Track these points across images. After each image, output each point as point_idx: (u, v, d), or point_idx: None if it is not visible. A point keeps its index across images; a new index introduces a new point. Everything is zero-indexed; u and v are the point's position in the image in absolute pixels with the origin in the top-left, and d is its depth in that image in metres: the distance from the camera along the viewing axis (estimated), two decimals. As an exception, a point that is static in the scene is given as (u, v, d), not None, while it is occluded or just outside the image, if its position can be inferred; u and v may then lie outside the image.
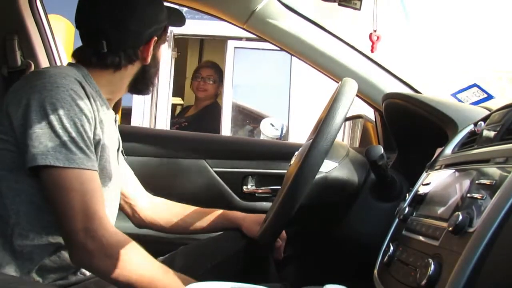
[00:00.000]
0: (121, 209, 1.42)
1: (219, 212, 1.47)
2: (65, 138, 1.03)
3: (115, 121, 1.28)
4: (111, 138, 1.20)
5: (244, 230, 1.40)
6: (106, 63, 1.18)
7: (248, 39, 4.33)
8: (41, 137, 1.02)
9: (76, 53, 1.23)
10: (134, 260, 1.05)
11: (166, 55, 4.52)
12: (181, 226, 1.46)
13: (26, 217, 1.07)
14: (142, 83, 1.27)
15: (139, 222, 1.45)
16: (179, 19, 1.34)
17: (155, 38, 1.22)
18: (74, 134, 1.04)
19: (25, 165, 1.03)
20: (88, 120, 1.07)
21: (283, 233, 1.42)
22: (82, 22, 1.21)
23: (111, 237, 1.04)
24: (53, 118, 1.02)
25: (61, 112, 1.03)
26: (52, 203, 1.04)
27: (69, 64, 1.22)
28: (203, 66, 3.99)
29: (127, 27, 1.18)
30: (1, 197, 1.08)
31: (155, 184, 1.59)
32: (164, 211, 1.47)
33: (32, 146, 1.01)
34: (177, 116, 4.23)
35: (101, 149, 1.12)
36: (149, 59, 1.23)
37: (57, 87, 1.05)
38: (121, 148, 1.31)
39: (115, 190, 1.25)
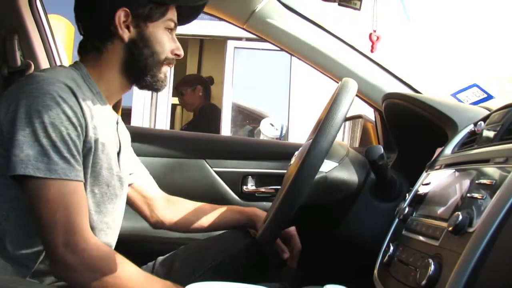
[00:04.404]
0: (138, 210, 1.42)
1: (235, 208, 1.47)
2: (48, 147, 0.99)
3: (117, 123, 1.23)
4: (110, 142, 1.15)
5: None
6: (90, 48, 1.16)
7: (248, 39, 4.34)
8: (23, 145, 0.98)
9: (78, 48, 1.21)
10: (118, 273, 1.02)
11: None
12: (199, 224, 1.44)
13: (17, 223, 1.05)
14: (136, 69, 1.17)
15: (156, 222, 1.43)
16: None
17: (125, 10, 1.12)
18: (58, 143, 1.00)
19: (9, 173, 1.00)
20: (76, 128, 1.03)
21: (298, 242, 1.39)
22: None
23: (92, 250, 1.01)
24: (38, 126, 0.99)
25: (46, 120, 1.00)
26: (33, 214, 1.01)
27: (74, 63, 1.19)
28: (176, 86, 4.24)
29: (85, 2, 1.16)
30: None
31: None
32: (182, 210, 1.45)
33: (14, 154, 0.98)
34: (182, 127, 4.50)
35: (95, 155, 1.09)
36: (125, 36, 1.13)
37: (44, 93, 1.01)
38: (122, 150, 1.24)
39: (117, 196, 1.19)
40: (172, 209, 1.45)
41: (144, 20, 1.15)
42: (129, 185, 1.36)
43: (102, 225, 1.16)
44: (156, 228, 1.45)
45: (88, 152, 1.07)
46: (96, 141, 1.09)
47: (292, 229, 1.40)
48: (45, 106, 1.00)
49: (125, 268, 1.05)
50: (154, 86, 1.19)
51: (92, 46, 1.16)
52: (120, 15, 1.13)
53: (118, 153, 1.21)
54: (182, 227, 1.45)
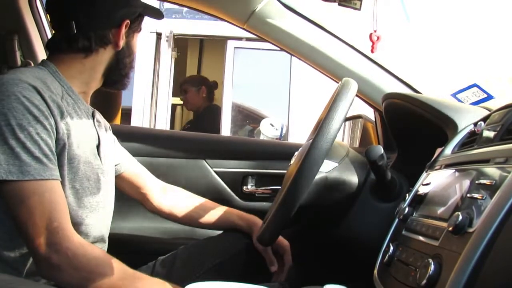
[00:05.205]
0: (134, 198, 1.44)
1: (235, 211, 1.47)
2: (18, 149, 0.98)
3: (93, 116, 1.22)
4: (86, 136, 1.15)
5: (255, 236, 1.38)
6: (77, 47, 1.15)
7: (248, 39, 4.34)
8: None
9: (48, 44, 1.21)
10: (104, 271, 1.01)
11: (166, 55, 4.54)
12: (195, 218, 1.46)
13: (2, 227, 1.04)
14: (116, 74, 1.24)
15: (152, 209, 1.45)
16: (156, 13, 1.31)
17: (127, 21, 1.20)
18: (28, 144, 0.99)
19: None
20: (45, 127, 1.02)
21: (290, 259, 1.39)
22: (51, 6, 1.20)
23: (77, 249, 1.00)
24: (5, 129, 0.98)
25: (13, 122, 0.99)
26: (13, 217, 1.00)
27: (41, 62, 1.19)
28: (181, 84, 4.29)
29: (96, 6, 1.16)
30: None
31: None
32: (180, 200, 1.47)
33: None
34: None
35: (70, 151, 1.08)
36: (121, 44, 1.20)
37: (8, 96, 1.00)
38: (102, 142, 1.22)
39: (100, 189, 1.18)
40: (169, 198, 1.46)
41: (133, 31, 1.24)
42: (118, 175, 1.37)
43: (89, 220, 1.15)
44: (153, 213, 1.47)
45: (62, 149, 1.06)
46: (69, 137, 1.08)
47: (286, 244, 1.41)
48: (11, 108, 0.99)
49: (112, 266, 1.03)
50: (124, 88, 1.29)
51: (81, 46, 1.16)
52: (124, 26, 1.20)
53: (98, 146, 1.20)
54: (178, 218, 1.46)
